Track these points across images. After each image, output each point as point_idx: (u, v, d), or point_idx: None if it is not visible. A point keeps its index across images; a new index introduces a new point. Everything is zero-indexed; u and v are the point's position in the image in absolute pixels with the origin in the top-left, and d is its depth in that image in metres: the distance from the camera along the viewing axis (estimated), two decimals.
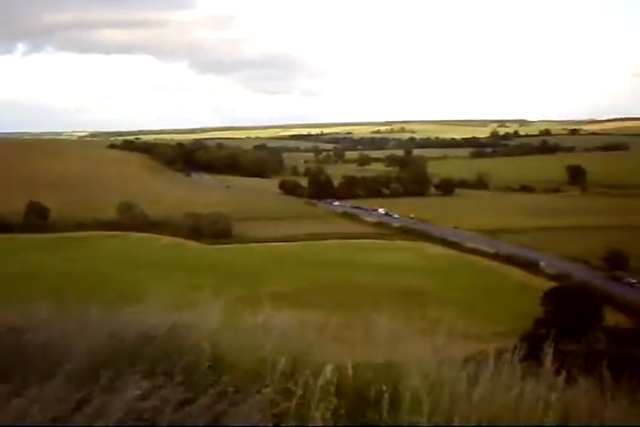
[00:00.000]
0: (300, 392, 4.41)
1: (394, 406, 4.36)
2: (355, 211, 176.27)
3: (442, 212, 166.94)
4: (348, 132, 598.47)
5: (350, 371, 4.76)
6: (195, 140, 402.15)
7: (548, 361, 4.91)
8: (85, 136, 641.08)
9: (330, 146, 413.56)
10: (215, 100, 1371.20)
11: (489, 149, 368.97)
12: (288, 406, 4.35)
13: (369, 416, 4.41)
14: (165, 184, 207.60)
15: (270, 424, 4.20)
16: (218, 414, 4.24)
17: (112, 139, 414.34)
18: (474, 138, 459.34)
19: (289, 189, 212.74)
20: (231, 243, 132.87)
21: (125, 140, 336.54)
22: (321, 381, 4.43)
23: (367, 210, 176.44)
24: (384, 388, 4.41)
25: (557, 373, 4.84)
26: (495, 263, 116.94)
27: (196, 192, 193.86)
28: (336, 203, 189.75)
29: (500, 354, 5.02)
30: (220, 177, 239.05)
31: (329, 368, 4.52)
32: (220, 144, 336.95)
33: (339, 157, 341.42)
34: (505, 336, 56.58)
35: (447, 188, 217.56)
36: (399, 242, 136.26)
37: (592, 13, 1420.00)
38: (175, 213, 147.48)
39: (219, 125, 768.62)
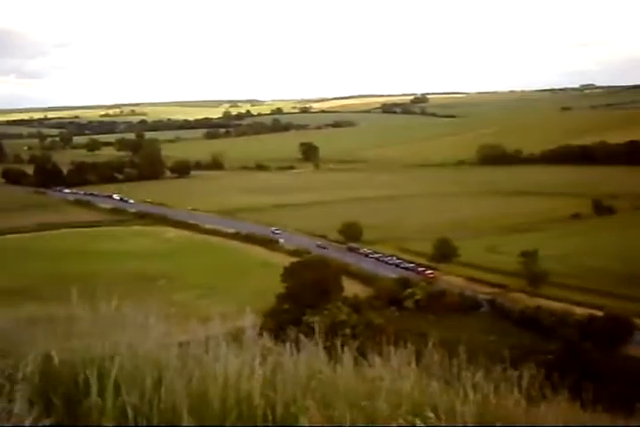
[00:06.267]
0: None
1: (105, 390, 4.35)
2: (88, 198, 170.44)
3: (178, 194, 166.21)
4: (75, 117, 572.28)
5: (57, 360, 4.63)
6: None
7: (254, 331, 5.18)
8: None
9: (55, 131, 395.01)
10: None
11: (222, 130, 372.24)
12: None
13: (83, 403, 4.35)
14: None
15: None
16: None
17: None
18: (207, 119, 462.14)
19: (13, 178, 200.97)
20: None
21: None
22: (27, 371, 4.36)
23: (101, 196, 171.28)
24: (96, 373, 4.38)
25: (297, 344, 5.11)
26: (235, 243, 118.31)
27: None
28: (67, 190, 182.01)
29: (240, 332, 5.09)
30: None
31: (36, 358, 4.46)
32: None
33: (66, 142, 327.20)
34: (249, 314, 56.48)
35: (182, 170, 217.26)
36: (137, 228, 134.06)
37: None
38: None
39: None
